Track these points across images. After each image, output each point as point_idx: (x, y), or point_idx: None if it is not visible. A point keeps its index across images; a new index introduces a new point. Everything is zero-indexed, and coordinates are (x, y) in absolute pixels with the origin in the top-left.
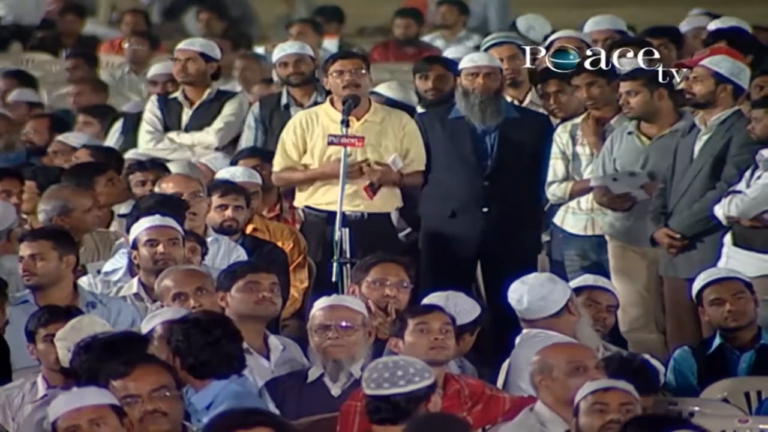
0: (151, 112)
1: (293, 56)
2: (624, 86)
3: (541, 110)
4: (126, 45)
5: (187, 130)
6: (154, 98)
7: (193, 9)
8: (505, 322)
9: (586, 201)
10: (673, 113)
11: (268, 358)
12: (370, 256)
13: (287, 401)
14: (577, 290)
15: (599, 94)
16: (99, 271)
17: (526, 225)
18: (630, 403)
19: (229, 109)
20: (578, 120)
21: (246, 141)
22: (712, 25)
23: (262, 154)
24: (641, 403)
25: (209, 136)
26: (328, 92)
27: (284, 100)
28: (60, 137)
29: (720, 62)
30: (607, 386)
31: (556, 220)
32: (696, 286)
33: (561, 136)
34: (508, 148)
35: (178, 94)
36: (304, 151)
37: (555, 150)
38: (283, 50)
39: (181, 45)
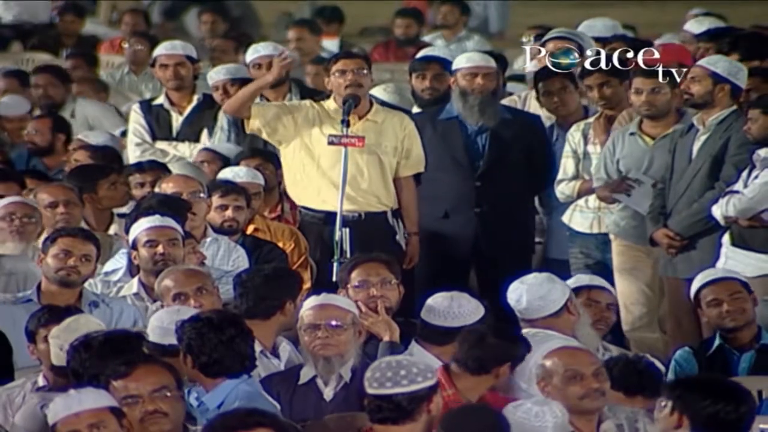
0: (136, 122)
1: (266, 58)
2: (648, 83)
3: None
4: (126, 45)
5: (179, 137)
6: (136, 107)
7: (194, 9)
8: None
9: (594, 199)
10: (676, 113)
11: (278, 357)
12: (350, 258)
13: (280, 403)
14: (576, 291)
15: (612, 95)
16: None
17: (519, 225)
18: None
19: (225, 116)
20: (591, 119)
21: (218, 143)
22: None
23: (264, 155)
24: (642, 404)
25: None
26: (303, 93)
27: (257, 100)
28: (80, 135)
29: (717, 62)
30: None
31: (564, 218)
32: (694, 287)
33: (574, 135)
34: (500, 149)
35: (162, 101)
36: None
37: (567, 148)
38: (256, 51)
39: (162, 51)
